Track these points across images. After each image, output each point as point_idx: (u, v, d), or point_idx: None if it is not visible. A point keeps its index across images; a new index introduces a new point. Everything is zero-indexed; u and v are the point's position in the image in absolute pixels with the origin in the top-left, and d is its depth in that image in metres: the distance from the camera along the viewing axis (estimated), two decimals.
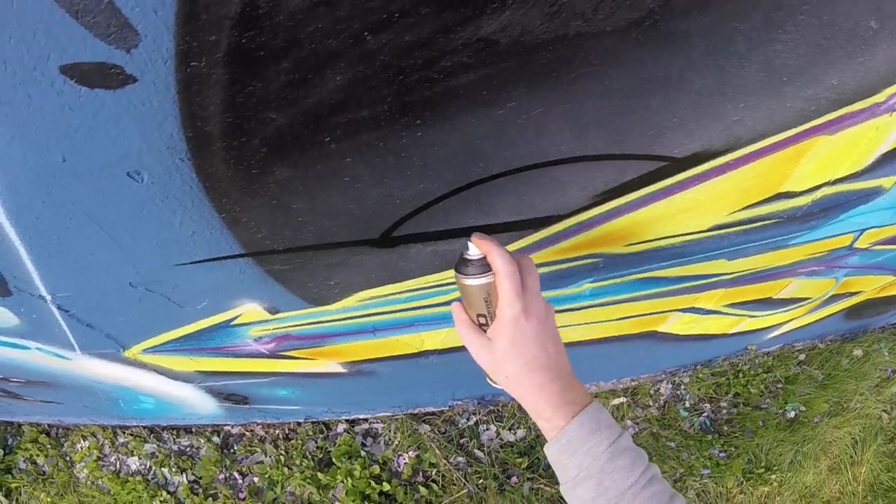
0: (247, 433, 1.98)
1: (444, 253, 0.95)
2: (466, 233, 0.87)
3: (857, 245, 1.56)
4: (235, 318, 1.10)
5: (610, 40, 0.63)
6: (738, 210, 1.11)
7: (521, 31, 0.58)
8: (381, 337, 1.30)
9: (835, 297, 2.00)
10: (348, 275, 0.97)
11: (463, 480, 1.98)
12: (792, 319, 2.07)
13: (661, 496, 0.62)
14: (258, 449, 1.95)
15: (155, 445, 1.95)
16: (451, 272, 1.01)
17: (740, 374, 2.32)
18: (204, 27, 0.50)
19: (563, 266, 1.14)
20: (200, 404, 1.63)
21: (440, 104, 0.63)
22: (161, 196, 0.72)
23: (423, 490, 1.95)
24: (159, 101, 0.57)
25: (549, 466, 2.08)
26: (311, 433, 1.99)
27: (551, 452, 0.67)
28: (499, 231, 0.92)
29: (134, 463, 1.95)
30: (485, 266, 0.67)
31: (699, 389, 2.31)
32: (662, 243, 1.15)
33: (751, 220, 1.16)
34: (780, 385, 2.36)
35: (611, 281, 1.28)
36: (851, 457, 2.34)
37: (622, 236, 1.08)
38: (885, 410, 2.46)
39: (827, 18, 0.70)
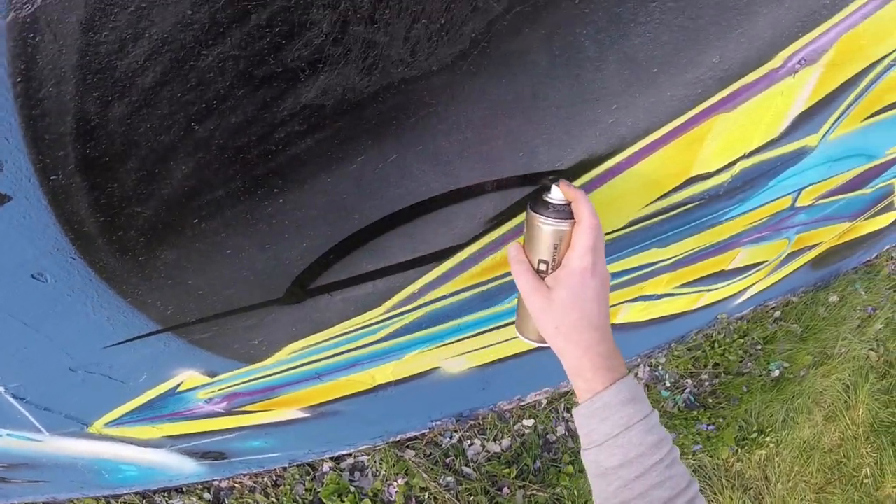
0: (236, 485, 2.02)
1: (355, 298, 1.00)
2: (369, 277, 0.93)
3: (799, 204, 1.60)
4: (178, 385, 1.14)
5: (440, 78, 0.64)
6: (652, 202, 1.13)
7: (343, 91, 0.61)
8: (328, 381, 1.35)
9: (794, 254, 2.03)
10: (269, 332, 1.02)
11: (455, 500, 2.02)
12: (756, 283, 2.10)
13: (682, 478, 0.63)
14: (249, 500, 1.98)
15: None
16: (370, 314, 1.10)
17: (716, 345, 2.34)
18: (50, 145, 0.56)
19: (489, 286, 1.17)
20: (180, 466, 1.67)
21: (289, 172, 0.68)
22: (67, 291, 0.77)
23: None
24: (35, 213, 0.62)
25: (538, 472, 2.12)
26: (297, 476, 2.02)
27: (582, 414, 0.67)
28: (398, 271, 0.97)
29: None
30: (566, 213, 0.68)
31: (677, 367, 2.34)
32: None
33: (671, 208, 1.19)
34: (758, 347, 2.39)
35: None
36: (846, 402, 2.37)
37: None
38: (871, 349, 2.51)
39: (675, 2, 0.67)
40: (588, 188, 0.94)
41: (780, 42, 0.84)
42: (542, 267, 0.69)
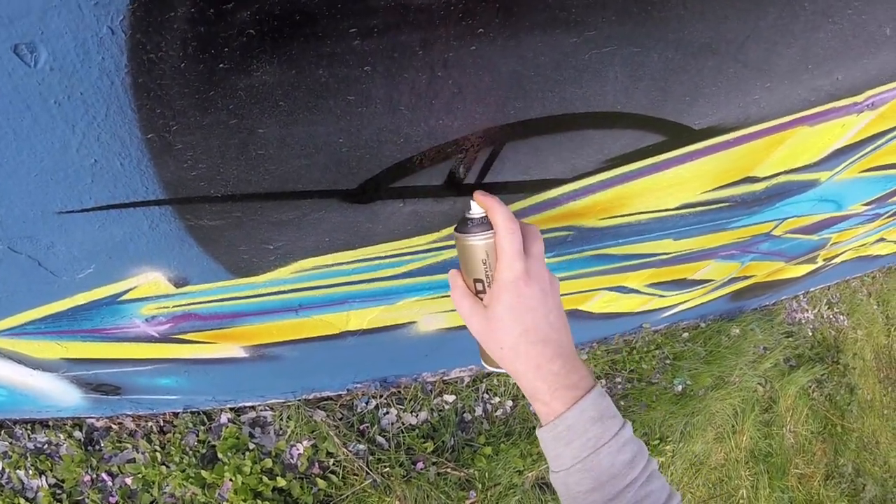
0: (114, 426, 1.63)
1: (424, 214, 0.77)
2: (461, 191, 0.71)
3: (774, 232, 1.65)
4: (126, 291, 0.82)
5: None
6: (708, 191, 1.09)
7: None
8: (303, 316, 1.08)
9: (732, 280, 2.13)
10: (296, 237, 0.75)
11: (365, 469, 1.81)
12: (688, 300, 2.17)
13: (660, 494, 0.58)
14: (129, 445, 1.61)
15: (6, 443, 1.53)
16: (417, 239, 0.87)
17: (634, 351, 2.41)
18: None
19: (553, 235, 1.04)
20: (60, 395, 1.28)
21: (519, 13, 0.47)
22: (62, 93, 0.45)
23: (321, 483, 1.75)
24: None
25: (454, 449, 1.99)
26: (190, 425, 1.69)
27: (546, 438, 0.60)
28: (496, 190, 0.75)
29: None
30: (486, 225, 0.62)
31: (596, 366, 2.35)
32: (631, 219, 1.09)
33: (712, 202, 1.15)
34: (668, 361, 2.50)
35: (567, 256, 1.19)
36: (733, 426, 2.55)
37: (603, 209, 1.00)
38: (759, 383, 2.72)
39: (864, 17, 0.70)
40: (685, 159, 0.90)
41: (873, 82, 0.90)
42: (479, 287, 0.64)
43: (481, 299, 0.64)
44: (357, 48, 0.44)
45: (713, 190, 1.09)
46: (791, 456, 2.70)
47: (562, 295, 1.51)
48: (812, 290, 3.26)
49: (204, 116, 0.49)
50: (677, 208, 1.11)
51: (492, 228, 0.61)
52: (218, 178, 0.59)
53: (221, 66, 0.44)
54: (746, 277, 2.17)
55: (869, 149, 1.27)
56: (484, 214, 0.62)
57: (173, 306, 0.90)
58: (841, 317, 3.38)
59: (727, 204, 1.20)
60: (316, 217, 0.71)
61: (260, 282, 0.87)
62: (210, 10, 0.39)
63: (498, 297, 0.60)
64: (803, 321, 3.16)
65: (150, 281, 0.80)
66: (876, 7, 0.70)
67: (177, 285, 0.83)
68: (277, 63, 0.44)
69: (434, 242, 0.87)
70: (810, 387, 2.94)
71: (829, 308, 3.36)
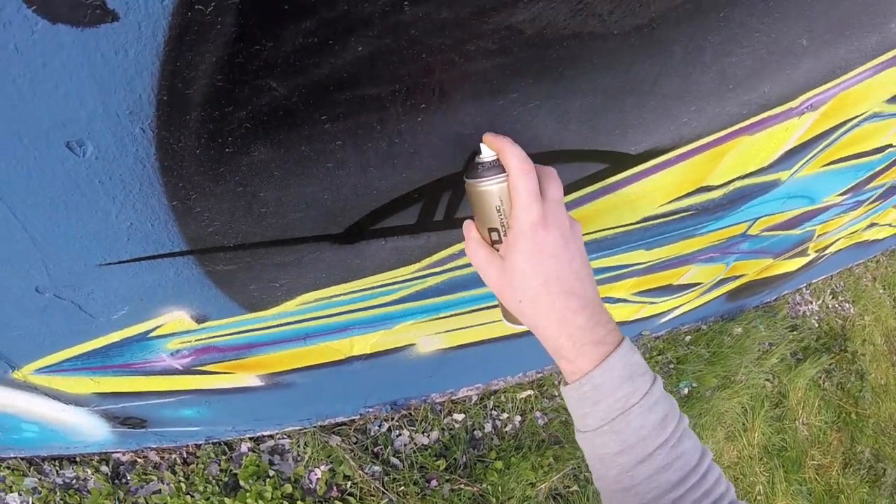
0: (139, 460, 1.76)
1: (404, 249, 0.90)
2: (433, 227, 0.84)
3: (749, 232, 1.72)
4: (155, 328, 0.96)
5: (613, 42, 0.64)
6: (666, 203, 1.19)
7: (545, 24, 0.57)
8: (310, 344, 1.21)
9: (722, 281, 2.20)
10: (297, 275, 0.88)
11: (381, 490, 1.91)
12: (682, 304, 2.24)
13: (692, 455, 0.55)
14: (154, 477, 1.73)
15: (36, 479, 1.66)
16: (401, 270, 0.99)
17: None
18: None
19: None
20: (90, 430, 1.41)
21: (451, 89, 0.59)
22: (104, 176, 0.59)
23: None
24: (139, 50, 0.46)
25: (467, 466, 2.08)
26: (212, 455, 1.81)
27: (571, 397, 0.57)
28: (456, 227, 0.89)
29: (14, 500, 1.64)
30: (498, 168, 0.58)
31: None
32: (598, 235, 1.20)
33: (674, 213, 1.24)
34: (672, 365, 2.53)
35: None
36: (744, 424, 2.56)
37: None
38: (767, 380, 2.72)
39: (774, 36, 0.78)
40: (637, 178, 0.99)
41: (804, 88, 0.99)
42: (495, 237, 0.60)
43: (497, 250, 0.59)
44: (329, 129, 0.58)
45: (670, 202, 1.18)
46: (806, 448, 2.69)
47: None
48: (814, 281, 3.25)
49: (216, 186, 0.63)
50: (640, 221, 1.21)
51: (504, 171, 0.57)
52: (230, 232, 0.73)
53: (227, 150, 0.58)
54: (737, 277, 2.23)
55: (822, 145, 1.35)
56: (495, 157, 0.58)
57: (195, 340, 1.03)
58: (847, 304, 3.37)
59: (690, 212, 1.29)
60: (312, 257, 0.84)
61: (269, 315, 1.00)
62: (216, 112, 0.53)
63: (514, 245, 0.55)
64: (808, 313, 3.14)
65: (175, 319, 0.94)
66: (786, 24, 0.78)
67: (198, 321, 0.96)
68: (270, 145, 0.58)
69: (417, 272, 1.00)
70: (819, 378, 2.92)
71: (833, 297, 3.34)
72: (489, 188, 0.57)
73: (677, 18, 0.65)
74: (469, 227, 0.62)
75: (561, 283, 0.55)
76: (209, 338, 1.04)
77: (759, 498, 2.46)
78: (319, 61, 0.50)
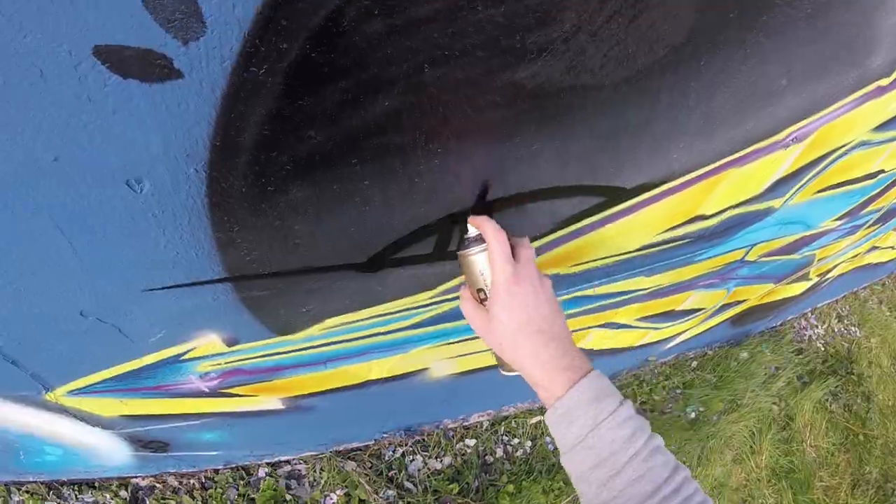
0: (158, 485, 1.81)
1: (423, 276, 0.97)
2: (447, 256, 0.91)
3: (747, 258, 1.78)
4: (188, 351, 1.03)
5: (605, 92, 0.73)
6: (662, 232, 1.26)
7: (544, 80, 0.66)
8: (331, 368, 1.28)
9: (724, 307, 2.24)
10: (323, 300, 0.96)
11: None
12: (687, 330, 2.29)
13: (664, 467, 0.60)
14: (172, 501, 1.78)
15: None
16: (419, 296, 1.07)
17: (643, 384, 2.48)
18: (279, 34, 0.50)
19: None
20: (110, 454, 1.47)
21: (466, 136, 0.68)
22: (157, 210, 0.67)
23: None
24: (199, 103, 0.54)
25: (479, 489, 2.11)
26: (230, 480, 1.86)
27: (550, 423, 0.65)
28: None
29: None
30: (480, 241, 0.71)
31: None
32: (598, 263, 1.26)
33: (670, 241, 1.31)
34: (679, 390, 2.56)
35: None
36: (751, 447, 2.58)
37: (565, 260, 1.17)
38: (774, 403, 2.75)
39: (753, 79, 0.87)
40: (633, 210, 1.07)
41: (787, 123, 1.06)
42: (482, 295, 0.72)
43: (484, 306, 0.71)
44: (358, 171, 0.67)
45: (666, 231, 1.26)
46: (814, 469, 2.71)
47: None
48: (819, 305, 3.28)
49: (257, 220, 0.71)
50: (638, 250, 1.28)
51: (485, 242, 0.70)
52: (266, 261, 0.81)
53: (270, 188, 0.66)
54: (739, 302, 2.27)
55: (812, 173, 1.42)
56: (478, 233, 0.72)
57: (224, 363, 1.10)
58: (853, 328, 3.39)
59: (686, 241, 1.36)
60: (338, 285, 0.92)
61: (296, 338, 1.07)
62: (262, 156, 0.62)
63: (494, 299, 0.67)
64: (813, 337, 3.18)
65: (208, 342, 1.01)
66: (766, 66, 0.86)
67: (229, 345, 1.04)
68: (305, 185, 0.67)
69: (433, 297, 1.07)
70: (826, 400, 2.95)
71: (839, 321, 3.37)
72: (475, 257, 0.71)
73: (662, 69, 0.74)
74: (463, 290, 0.75)
75: (532, 325, 0.66)
76: (238, 360, 1.11)
77: None
78: (352, 115, 0.58)
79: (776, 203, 1.43)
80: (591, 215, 1.03)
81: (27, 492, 1.65)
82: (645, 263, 1.39)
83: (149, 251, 0.75)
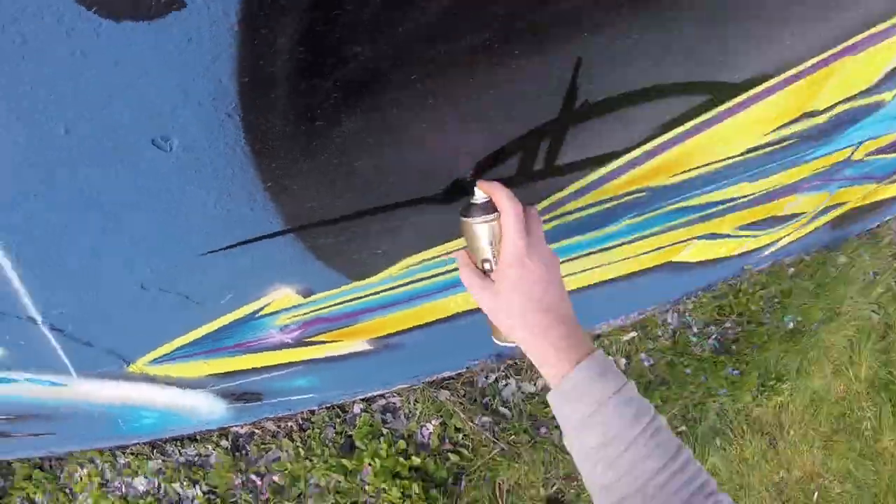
0: (257, 431, 1.86)
1: None
2: (535, 175, 0.78)
3: (854, 158, 1.59)
4: (263, 307, 0.97)
5: None
6: (771, 131, 1.11)
7: None
8: (414, 306, 1.20)
9: (825, 210, 2.06)
10: (400, 239, 0.87)
11: (492, 440, 1.93)
12: (785, 236, 2.12)
13: (668, 446, 0.59)
14: (273, 445, 1.83)
15: (160, 461, 1.80)
16: None
17: (740, 294, 2.34)
18: None
19: (612, 204, 1.08)
20: (208, 409, 1.49)
21: (549, 28, 0.54)
22: (194, 168, 0.58)
23: (453, 457, 1.88)
24: (212, 32, 0.43)
25: None
26: (327, 419, 1.88)
27: (555, 400, 0.64)
28: (559, 174, 0.84)
29: (141, 484, 1.80)
30: (490, 208, 0.67)
31: (703, 314, 2.32)
32: (702, 171, 1.13)
33: (778, 141, 1.16)
34: (776, 299, 2.41)
35: (647, 215, 1.23)
36: (850, 358, 2.45)
37: (670, 167, 1.04)
38: (873, 311, 2.57)
39: None
40: (735, 110, 0.94)
41: None
42: (487, 266, 0.69)
43: (489, 277, 0.69)
44: (420, 89, 0.54)
45: (775, 130, 1.10)
46: None
47: (652, 250, 1.56)
48: None
49: (310, 162, 0.60)
50: (743, 153, 1.13)
51: (495, 211, 0.66)
52: (328, 206, 0.71)
53: (318, 123, 0.54)
54: (841, 204, 2.08)
55: None
56: (487, 199, 0.67)
57: (303, 314, 1.05)
58: None
59: (794, 140, 1.20)
60: (412, 221, 0.82)
61: (375, 281, 1.00)
62: (302, 86, 0.49)
63: (505, 272, 0.65)
64: None
65: (281, 296, 0.95)
66: None
67: (304, 296, 0.97)
68: (360, 112, 0.54)
69: None
70: None
71: None
72: (484, 226, 0.67)
73: None
74: (462, 256, 0.71)
75: (542, 302, 0.65)
76: (317, 310, 1.05)
77: (866, 433, 2.36)
78: (403, 17, 0.45)
79: (888, 96, 1.24)
80: (693, 118, 0.89)
81: (132, 453, 1.73)
82: (750, 168, 1.24)
83: (199, 213, 0.67)
